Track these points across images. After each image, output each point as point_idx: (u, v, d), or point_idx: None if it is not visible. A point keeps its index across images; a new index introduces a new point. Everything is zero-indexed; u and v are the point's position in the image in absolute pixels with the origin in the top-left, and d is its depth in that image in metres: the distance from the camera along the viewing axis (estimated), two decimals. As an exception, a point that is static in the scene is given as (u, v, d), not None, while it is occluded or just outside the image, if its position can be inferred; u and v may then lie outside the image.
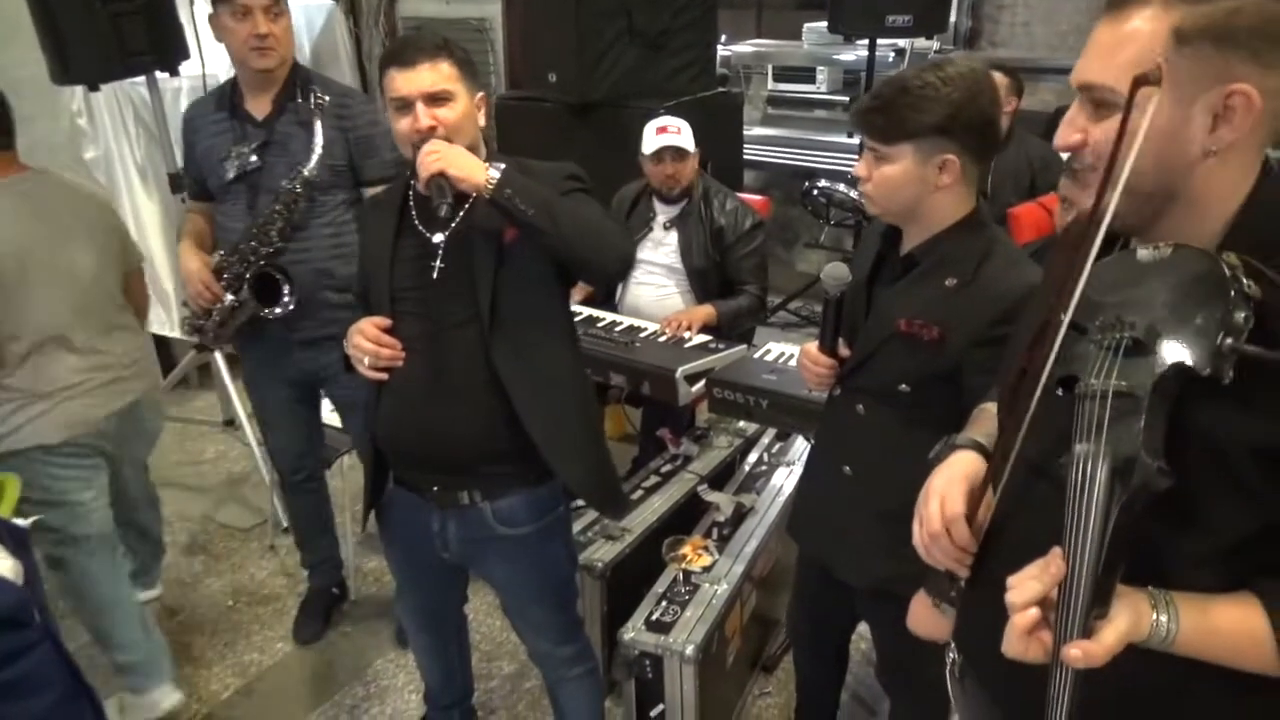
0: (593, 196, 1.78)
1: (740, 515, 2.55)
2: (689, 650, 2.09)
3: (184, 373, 3.96)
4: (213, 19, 2.26)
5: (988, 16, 6.53)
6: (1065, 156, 0.99)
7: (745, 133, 4.52)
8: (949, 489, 1.09)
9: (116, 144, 3.85)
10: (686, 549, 2.38)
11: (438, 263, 1.72)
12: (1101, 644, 0.83)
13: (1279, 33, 0.84)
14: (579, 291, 3.15)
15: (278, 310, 2.30)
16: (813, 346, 1.71)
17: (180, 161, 3.26)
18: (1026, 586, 0.88)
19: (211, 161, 2.33)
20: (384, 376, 1.73)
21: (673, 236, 3.04)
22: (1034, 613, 0.87)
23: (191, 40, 3.13)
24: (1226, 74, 0.86)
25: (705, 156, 3.03)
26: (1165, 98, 0.87)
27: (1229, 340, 0.80)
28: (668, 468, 2.76)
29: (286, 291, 2.29)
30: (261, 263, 2.29)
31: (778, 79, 5.34)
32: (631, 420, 3.42)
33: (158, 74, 3.10)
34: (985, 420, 1.22)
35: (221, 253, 2.37)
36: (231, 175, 2.30)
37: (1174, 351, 0.83)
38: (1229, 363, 0.81)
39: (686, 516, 2.58)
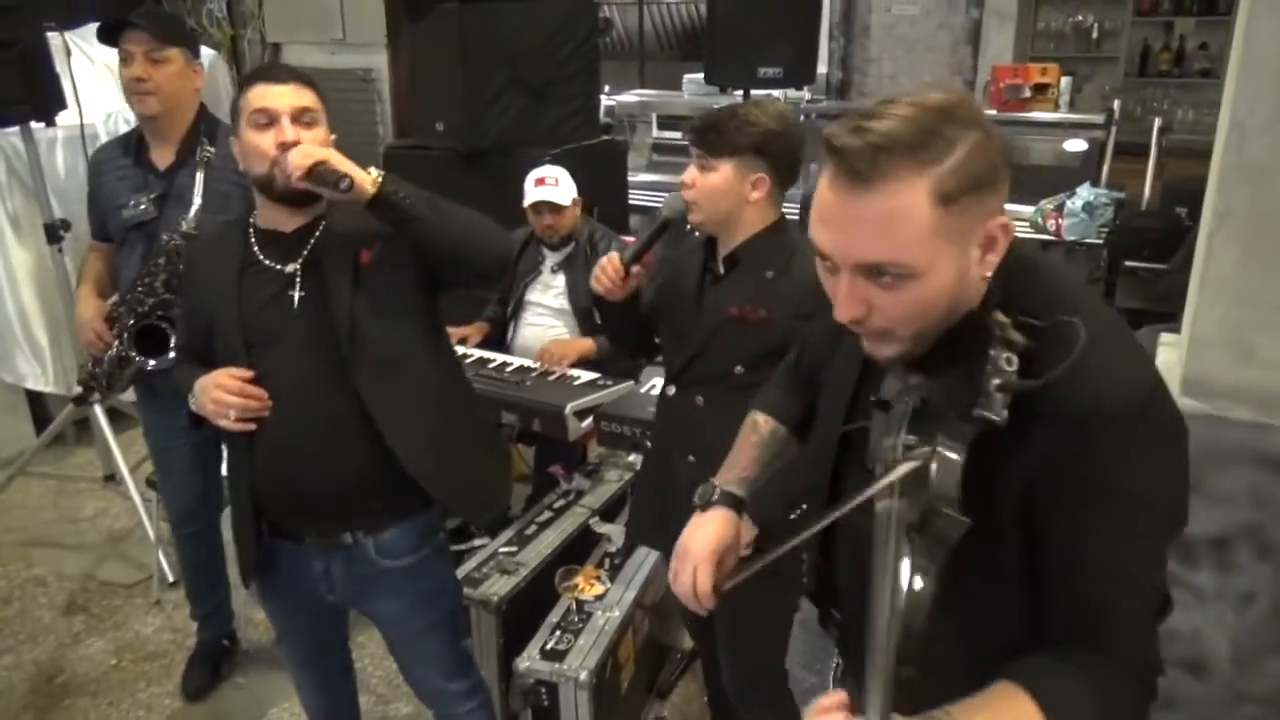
0: None
1: (631, 545, 2.64)
2: (583, 675, 2.16)
3: (60, 429, 3.81)
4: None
5: (857, 69, 6.96)
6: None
7: (632, 178, 4.66)
8: (704, 561, 1.26)
9: (-13, 194, 3.73)
10: (579, 579, 2.46)
11: (297, 291, 1.67)
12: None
13: (1005, 161, 0.95)
14: (476, 332, 3.24)
15: (151, 364, 2.27)
16: (615, 256, 1.89)
17: (58, 212, 3.23)
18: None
19: (111, 207, 2.32)
20: (252, 427, 1.66)
21: (560, 279, 3.16)
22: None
23: (68, 90, 3.10)
24: (985, 210, 0.94)
25: (591, 202, 3.16)
26: (946, 253, 0.92)
27: (996, 380, 0.89)
28: (560, 503, 2.83)
29: (173, 344, 2.27)
30: (150, 314, 2.27)
31: (661, 127, 5.56)
32: (526, 459, 3.48)
33: (33, 124, 3.06)
34: (746, 449, 1.41)
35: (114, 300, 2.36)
36: (128, 223, 2.29)
37: (951, 401, 0.91)
38: (1001, 403, 0.88)
39: (579, 549, 2.65)
